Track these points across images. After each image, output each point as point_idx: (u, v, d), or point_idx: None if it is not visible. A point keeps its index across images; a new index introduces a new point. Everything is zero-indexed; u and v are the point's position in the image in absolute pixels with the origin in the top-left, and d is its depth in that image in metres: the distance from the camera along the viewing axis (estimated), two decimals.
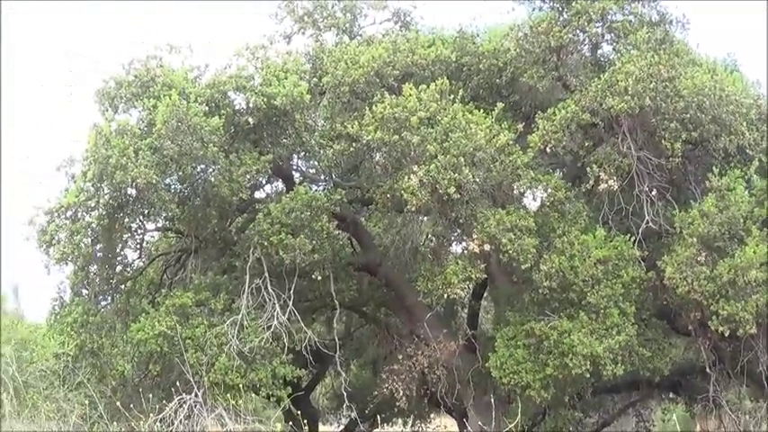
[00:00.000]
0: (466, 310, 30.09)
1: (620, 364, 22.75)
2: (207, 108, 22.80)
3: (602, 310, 22.83)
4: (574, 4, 24.53)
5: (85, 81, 25.21)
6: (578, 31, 24.95)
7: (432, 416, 36.09)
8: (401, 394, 24.95)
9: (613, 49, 25.72)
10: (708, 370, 25.43)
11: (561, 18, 24.99)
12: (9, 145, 60.59)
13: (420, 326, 25.20)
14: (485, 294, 29.50)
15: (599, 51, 26.37)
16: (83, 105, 30.99)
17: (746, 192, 23.20)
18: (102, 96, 23.59)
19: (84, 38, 70.29)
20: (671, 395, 34.27)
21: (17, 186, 37.13)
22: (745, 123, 23.85)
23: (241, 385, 22.76)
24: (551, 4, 25.40)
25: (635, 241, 23.70)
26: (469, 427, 24.88)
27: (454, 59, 25.31)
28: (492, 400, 23.12)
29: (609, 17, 25.06)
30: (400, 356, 25.53)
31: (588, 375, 22.86)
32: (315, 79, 25.03)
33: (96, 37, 69.91)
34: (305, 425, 25.41)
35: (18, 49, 72.63)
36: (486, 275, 24.80)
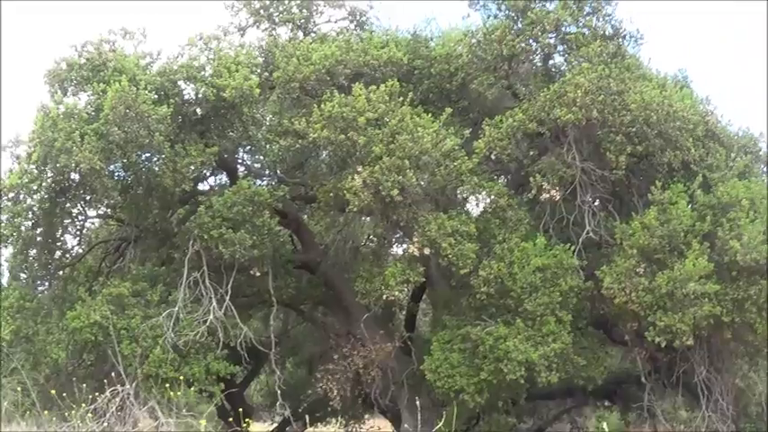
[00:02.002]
0: (404, 313, 30.36)
1: (554, 372, 23.22)
2: (156, 96, 22.91)
3: (538, 318, 23.31)
4: (529, 13, 24.94)
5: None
6: (531, 41, 25.32)
7: (366, 416, 36.22)
8: (335, 394, 25.26)
9: (565, 61, 26.12)
10: (643, 379, 26.05)
11: (515, 27, 25.34)
12: None
13: (357, 326, 25.48)
14: (423, 297, 29.91)
15: (551, 62, 26.79)
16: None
17: (689, 206, 23.78)
18: (53, 78, 23.48)
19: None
20: (606, 403, 34.91)
21: None
22: (691, 139, 24.47)
23: (174, 379, 22.87)
24: (506, 12, 25.71)
25: (575, 251, 24.19)
26: (403, 429, 25.32)
27: (406, 62, 25.55)
28: (426, 403, 23.59)
29: (563, 29, 25.50)
30: (336, 356, 25.78)
31: (523, 381, 23.29)
32: (266, 74, 25.16)
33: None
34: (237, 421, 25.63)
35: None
36: (425, 279, 25.06)
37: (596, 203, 25.20)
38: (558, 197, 24.65)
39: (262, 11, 27.11)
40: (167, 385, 22.66)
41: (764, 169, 27.93)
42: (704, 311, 22.72)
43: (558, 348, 23.09)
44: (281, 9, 27.28)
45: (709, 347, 25.34)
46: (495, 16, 25.99)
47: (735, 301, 23.24)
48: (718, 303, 23.01)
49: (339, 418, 35.23)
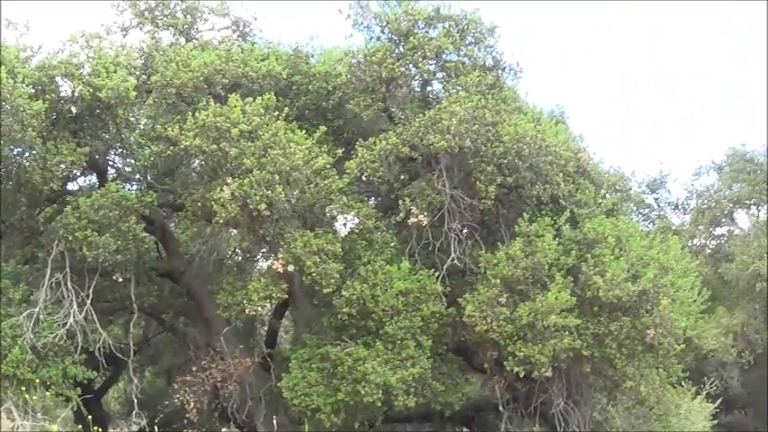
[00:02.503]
0: (265, 328, 30.41)
1: (412, 396, 23.43)
2: (33, 90, 22.41)
3: (399, 341, 23.49)
4: (411, 38, 25.13)
5: None
6: (411, 66, 25.50)
7: (222, 430, 36.11)
8: (192, 406, 25.06)
9: (443, 88, 26.30)
10: (501, 408, 26.49)
11: (397, 50, 25.50)
12: None
13: (217, 339, 25.45)
14: (286, 314, 29.90)
15: (429, 88, 27.07)
16: None
17: (555, 240, 24.23)
18: None
19: None
20: (464, 429, 35.27)
21: None
22: (561, 174, 25.02)
23: (31, 381, 22.44)
24: (389, 35, 25.82)
25: (439, 277, 24.47)
26: None
27: (285, 76, 25.54)
28: (283, 421, 23.65)
29: (443, 56, 25.73)
30: (194, 368, 25.57)
31: (380, 404, 23.46)
32: (144, 77, 24.85)
33: None
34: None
35: None
36: (288, 295, 25.08)
37: (464, 231, 25.47)
38: (426, 222, 24.80)
39: (146, 13, 26.64)
40: (23, 387, 22.25)
41: (633, 207, 28.60)
42: (564, 344, 23.23)
43: (416, 373, 23.30)
44: (165, 13, 26.87)
45: (568, 379, 25.85)
46: (378, 38, 26.10)
47: (595, 335, 23.87)
48: (579, 337, 23.60)
49: (195, 430, 34.99)
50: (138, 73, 24.70)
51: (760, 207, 50.06)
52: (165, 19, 26.92)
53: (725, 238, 49.23)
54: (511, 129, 24.25)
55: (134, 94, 23.36)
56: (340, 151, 24.46)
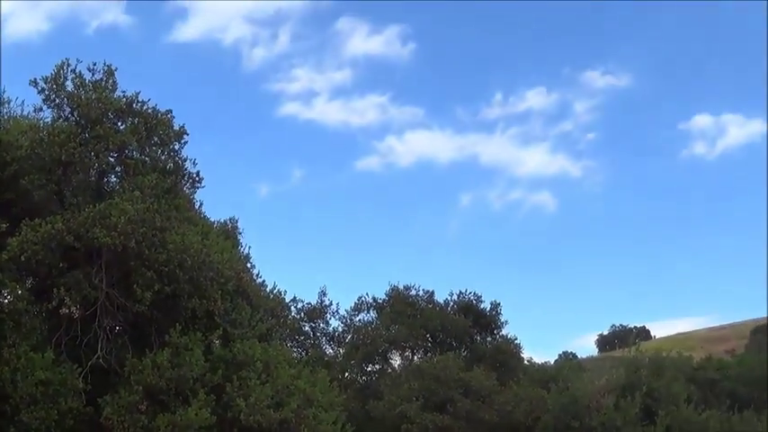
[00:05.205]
0: None
1: None
2: None
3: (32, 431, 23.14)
4: (98, 127, 25.47)
5: None
6: (93, 155, 25.73)
7: None
8: None
9: (119, 184, 26.49)
10: None
11: (81, 135, 25.67)
12: None
13: None
14: None
15: (106, 179, 27.17)
16: None
17: (204, 356, 24.86)
18: None
19: None
20: None
21: None
22: (220, 292, 25.83)
23: None
24: (77, 119, 26.05)
25: (82, 373, 24.34)
26: None
27: None
28: None
29: (126, 151, 26.20)
30: None
31: None
32: None
33: None
34: None
35: None
36: None
37: (115, 331, 25.66)
38: (78, 315, 24.92)
39: None
40: None
41: (288, 334, 29.74)
42: None
43: None
44: None
45: None
46: (66, 119, 26.27)
47: None
48: None
49: None
50: None
51: (416, 351, 52.85)
52: None
53: (376, 376, 51.44)
54: (177, 238, 24.91)
55: None
56: (5, 225, 24.20)
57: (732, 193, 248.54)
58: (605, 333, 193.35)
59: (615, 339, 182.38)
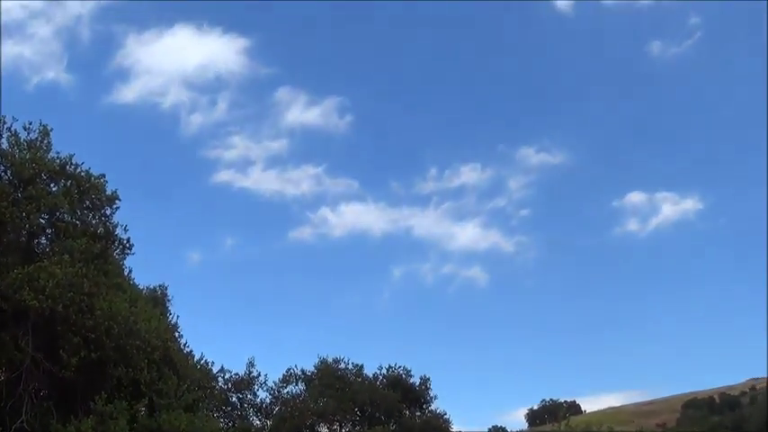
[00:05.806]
0: None
1: None
2: None
3: None
4: (30, 187, 25.34)
5: None
6: (24, 215, 25.39)
7: None
8: None
9: (50, 246, 26.27)
10: None
11: (14, 195, 25.46)
12: None
13: None
14: None
15: (36, 241, 26.83)
16: None
17: (129, 425, 24.57)
18: None
19: None
20: None
21: None
22: (147, 361, 25.57)
23: None
24: (11, 178, 25.85)
25: None
26: None
27: None
28: None
29: (57, 214, 26.05)
30: None
31: None
32: None
33: None
34: None
35: None
36: None
37: (41, 395, 25.14)
38: (3, 378, 24.50)
39: None
40: None
41: (216, 404, 29.51)
42: None
43: None
44: None
45: None
46: (0, 177, 26.00)
47: None
48: None
49: None
50: None
51: (344, 424, 52.68)
52: None
53: None
54: (105, 304, 24.76)
55: None
56: None
57: (662, 269, 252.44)
58: (535, 407, 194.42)
59: (545, 414, 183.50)
